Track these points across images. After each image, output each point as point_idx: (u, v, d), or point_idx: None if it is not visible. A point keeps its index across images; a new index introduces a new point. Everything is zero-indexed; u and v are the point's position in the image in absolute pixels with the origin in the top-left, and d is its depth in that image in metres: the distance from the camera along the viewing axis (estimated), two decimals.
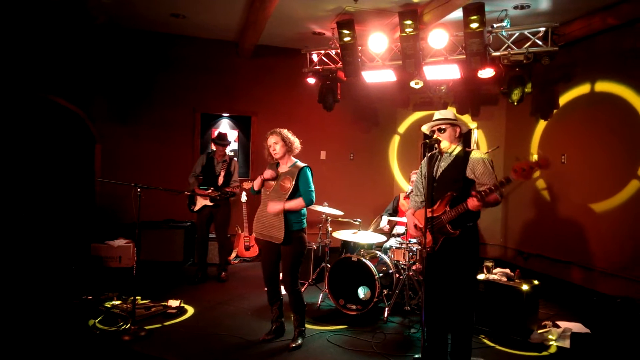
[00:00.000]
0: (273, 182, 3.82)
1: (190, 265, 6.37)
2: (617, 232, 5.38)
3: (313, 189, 3.78)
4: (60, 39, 6.38)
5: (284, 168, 3.86)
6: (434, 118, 3.43)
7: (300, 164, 3.85)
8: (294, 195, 3.71)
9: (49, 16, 6.14)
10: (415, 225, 3.47)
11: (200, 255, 5.76)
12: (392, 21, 5.79)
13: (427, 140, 3.31)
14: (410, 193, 5.45)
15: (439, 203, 3.26)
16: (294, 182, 3.72)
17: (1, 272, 5.31)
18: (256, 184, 3.88)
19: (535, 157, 2.88)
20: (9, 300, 4.57)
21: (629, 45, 5.23)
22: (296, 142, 3.87)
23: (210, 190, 5.52)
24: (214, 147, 5.85)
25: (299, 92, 7.43)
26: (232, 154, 7.50)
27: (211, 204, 5.54)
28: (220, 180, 5.60)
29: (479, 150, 3.37)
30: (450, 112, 3.43)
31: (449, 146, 3.36)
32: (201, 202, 5.59)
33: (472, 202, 3.04)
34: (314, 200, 3.78)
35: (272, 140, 3.81)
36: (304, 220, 3.83)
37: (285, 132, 3.84)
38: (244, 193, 6.71)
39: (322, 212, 5.20)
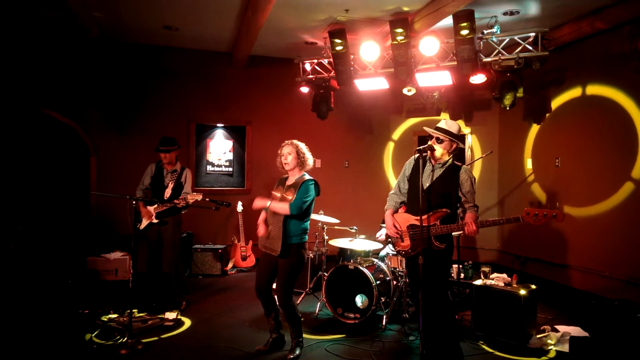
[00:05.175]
0: (279, 195, 3.78)
1: (187, 277, 6.33)
2: (613, 233, 5.39)
3: (307, 201, 3.64)
4: (54, 53, 6.38)
5: (291, 180, 3.80)
6: (439, 125, 3.45)
7: (307, 177, 3.77)
8: None
9: (42, 30, 6.14)
10: (395, 226, 3.53)
11: (160, 281, 5.06)
12: (384, 30, 5.84)
13: (421, 148, 3.34)
14: None
15: (431, 215, 3.29)
16: (295, 194, 3.65)
17: None
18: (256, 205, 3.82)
19: (554, 213, 2.93)
20: (5, 315, 4.53)
21: (618, 49, 5.29)
22: (310, 159, 3.81)
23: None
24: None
25: (292, 101, 7.46)
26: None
27: (156, 220, 4.83)
28: (168, 193, 4.89)
29: (466, 165, 3.47)
30: (456, 126, 3.45)
31: (440, 157, 3.40)
32: (147, 219, 4.89)
33: (471, 228, 3.17)
34: (302, 212, 3.61)
35: (286, 150, 3.75)
36: (305, 236, 3.72)
37: (301, 145, 3.79)
38: (239, 203, 6.70)
39: (318, 220, 5.20)
